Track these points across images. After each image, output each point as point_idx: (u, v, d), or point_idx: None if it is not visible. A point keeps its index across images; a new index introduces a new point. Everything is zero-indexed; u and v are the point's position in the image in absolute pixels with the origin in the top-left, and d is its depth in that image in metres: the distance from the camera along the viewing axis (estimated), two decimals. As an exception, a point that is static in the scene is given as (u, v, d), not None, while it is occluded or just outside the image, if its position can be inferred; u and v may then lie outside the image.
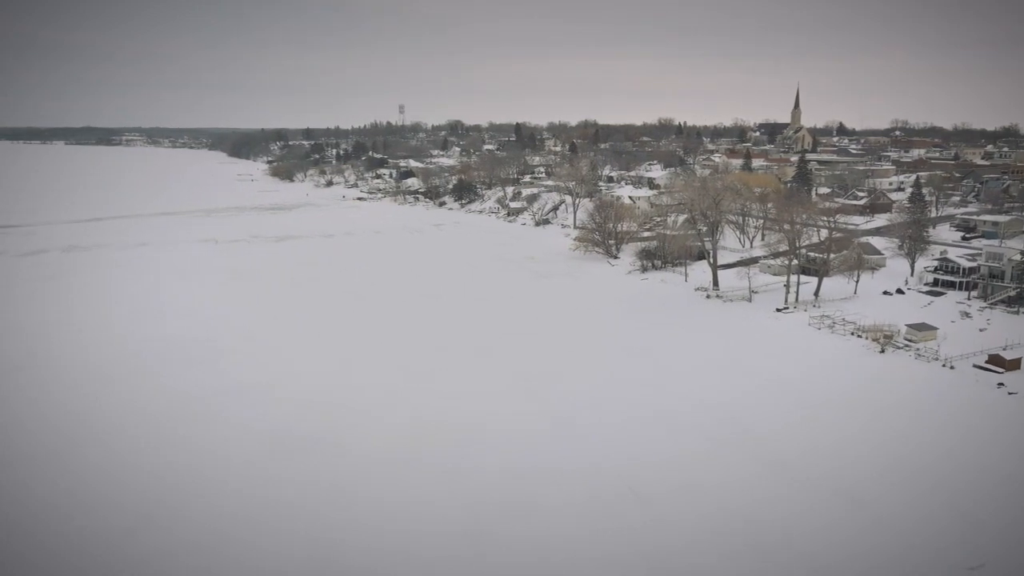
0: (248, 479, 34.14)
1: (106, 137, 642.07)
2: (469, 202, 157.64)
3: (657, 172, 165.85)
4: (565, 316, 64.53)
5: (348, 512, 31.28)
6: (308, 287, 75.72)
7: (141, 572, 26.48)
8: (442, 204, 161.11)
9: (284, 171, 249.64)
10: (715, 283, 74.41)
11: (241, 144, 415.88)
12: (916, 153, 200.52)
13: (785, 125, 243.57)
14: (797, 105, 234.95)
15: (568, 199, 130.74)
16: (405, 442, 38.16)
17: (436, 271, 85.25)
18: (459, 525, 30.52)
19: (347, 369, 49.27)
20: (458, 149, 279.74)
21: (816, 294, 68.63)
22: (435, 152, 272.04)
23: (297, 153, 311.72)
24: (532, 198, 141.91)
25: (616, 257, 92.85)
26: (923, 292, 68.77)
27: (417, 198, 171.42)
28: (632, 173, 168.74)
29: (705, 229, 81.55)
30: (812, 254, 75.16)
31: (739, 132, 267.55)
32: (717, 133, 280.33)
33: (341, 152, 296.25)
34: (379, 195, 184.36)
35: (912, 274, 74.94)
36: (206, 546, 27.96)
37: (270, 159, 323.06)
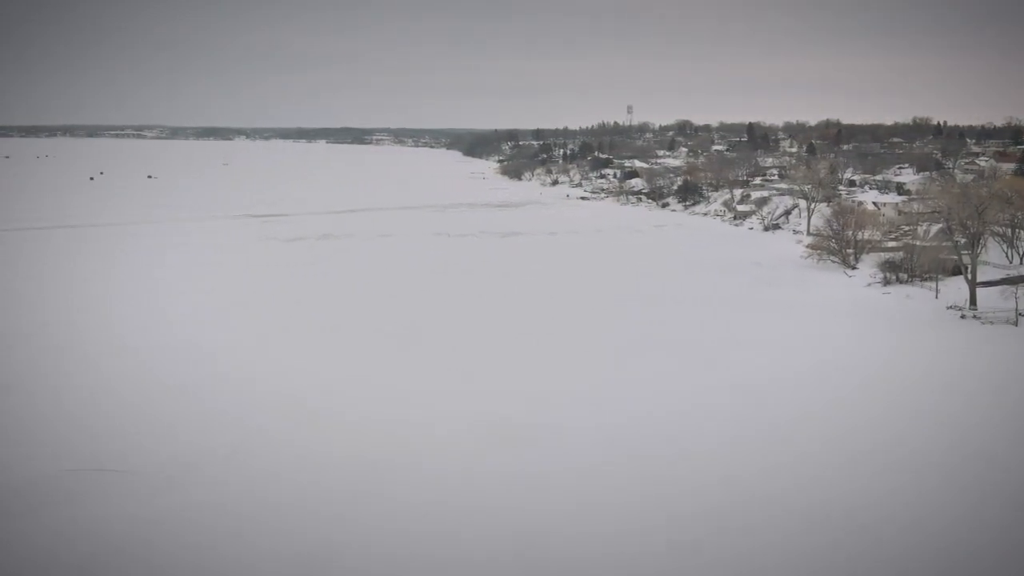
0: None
1: (360, 137, 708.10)
2: (693, 204, 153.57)
3: (908, 176, 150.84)
4: (787, 327, 60.45)
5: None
6: (530, 284, 77.80)
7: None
8: (665, 205, 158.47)
9: (513, 170, 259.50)
10: (972, 302, 65.88)
11: (475, 144, 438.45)
12: None
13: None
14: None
15: (802, 203, 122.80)
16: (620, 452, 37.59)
17: (653, 272, 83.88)
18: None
19: (562, 372, 49.66)
20: (685, 150, 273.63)
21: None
22: (661, 152, 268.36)
23: (526, 153, 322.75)
24: (762, 201, 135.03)
25: (854, 267, 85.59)
26: None
27: (640, 198, 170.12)
28: (878, 177, 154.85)
29: (963, 241, 72.45)
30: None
31: (1013, 133, 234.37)
32: (984, 134, 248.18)
33: (567, 152, 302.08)
34: (602, 195, 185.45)
35: None
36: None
37: (501, 158, 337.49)
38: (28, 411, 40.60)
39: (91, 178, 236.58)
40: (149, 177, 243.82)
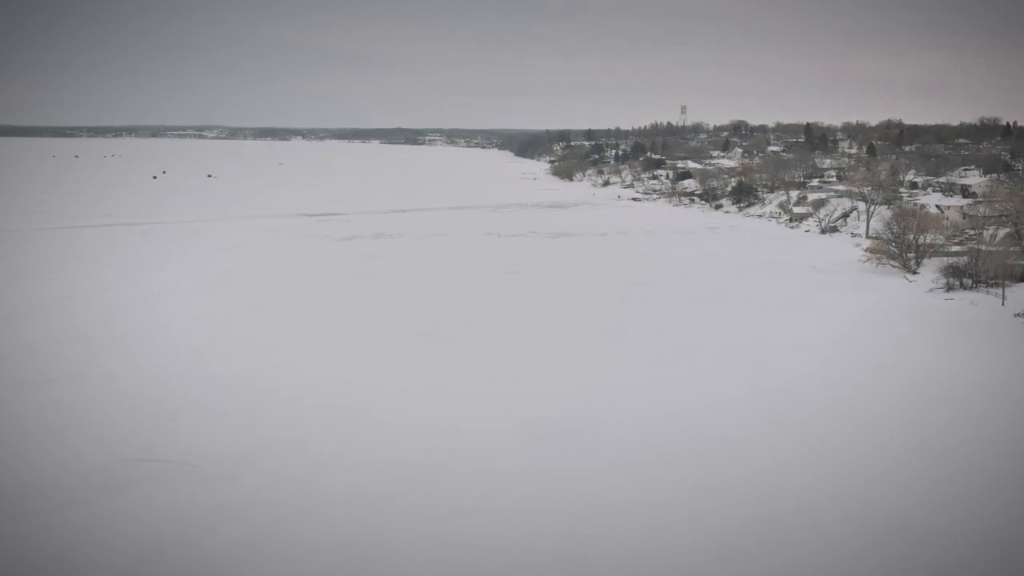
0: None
1: (412, 137, 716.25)
2: (748, 205, 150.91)
3: (974, 179, 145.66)
4: (843, 331, 58.81)
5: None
6: (576, 284, 77.36)
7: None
8: (718, 207, 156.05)
9: (564, 171, 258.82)
10: (1042, 310, 63.15)
11: (527, 144, 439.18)
12: None
13: None
14: None
15: (861, 206, 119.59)
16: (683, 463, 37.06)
17: (704, 274, 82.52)
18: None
19: (605, 373, 49.20)
20: (740, 150, 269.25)
21: None
22: (715, 153, 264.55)
23: (578, 153, 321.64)
24: (819, 203, 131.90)
25: (915, 272, 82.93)
26: None
27: (693, 200, 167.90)
28: (941, 179, 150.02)
29: (1033, 246, 69.59)
30: None
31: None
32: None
33: (620, 153, 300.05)
34: (654, 196, 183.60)
35: None
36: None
37: (552, 159, 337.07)
38: (89, 402, 41.80)
39: (154, 177, 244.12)
40: (209, 176, 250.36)
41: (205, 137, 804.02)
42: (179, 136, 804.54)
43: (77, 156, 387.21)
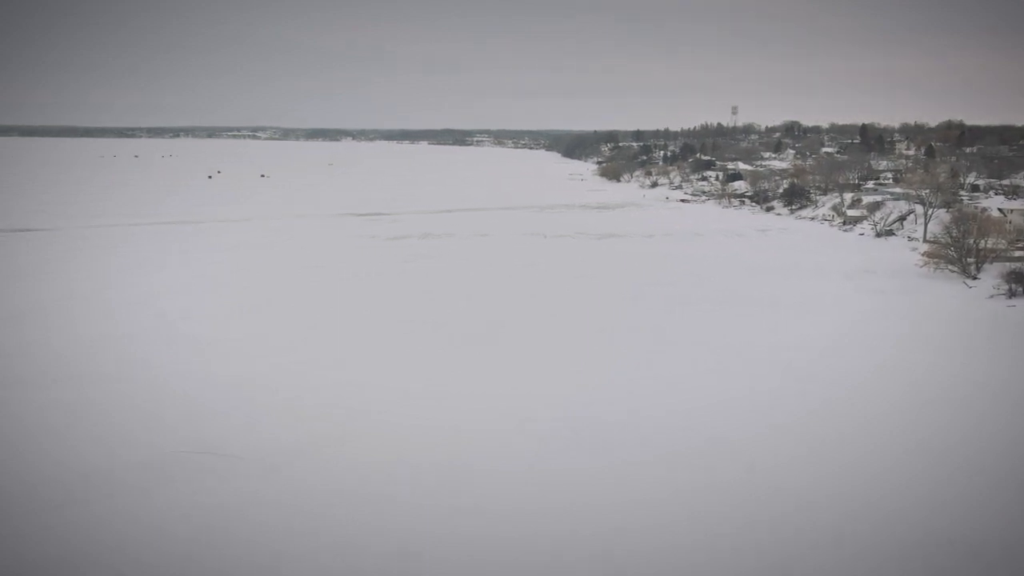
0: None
1: (461, 138, 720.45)
2: (800, 208, 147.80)
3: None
4: (898, 337, 57.00)
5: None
6: (620, 285, 76.68)
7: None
8: (769, 209, 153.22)
9: (612, 172, 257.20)
10: (1112, 318, 60.37)
11: (574, 145, 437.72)
12: None
13: None
14: None
15: (918, 209, 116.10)
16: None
17: (754, 277, 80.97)
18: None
19: (647, 377, 48.60)
20: (792, 151, 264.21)
21: None
22: (767, 155, 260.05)
23: (625, 154, 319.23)
24: (874, 206, 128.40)
25: (975, 277, 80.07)
26: None
27: (743, 202, 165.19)
28: (1005, 182, 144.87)
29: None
30: None
31: None
32: None
33: (668, 154, 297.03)
34: (703, 197, 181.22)
35: None
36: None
37: (600, 160, 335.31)
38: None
39: (209, 176, 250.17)
40: (262, 176, 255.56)
41: (259, 138, 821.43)
42: (234, 137, 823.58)
43: (136, 156, 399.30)
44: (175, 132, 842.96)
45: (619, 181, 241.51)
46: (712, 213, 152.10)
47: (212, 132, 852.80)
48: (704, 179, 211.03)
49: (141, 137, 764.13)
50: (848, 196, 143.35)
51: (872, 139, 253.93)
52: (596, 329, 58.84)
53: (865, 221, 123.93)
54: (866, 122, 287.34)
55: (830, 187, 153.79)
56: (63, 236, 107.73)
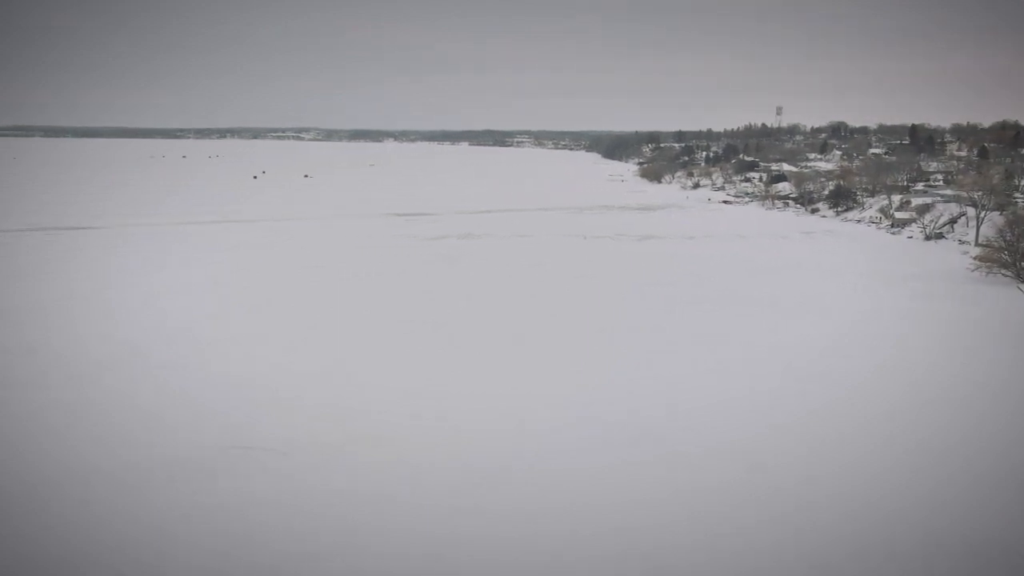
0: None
1: (501, 139, 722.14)
2: (846, 210, 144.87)
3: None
4: (948, 345, 55.38)
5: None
6: (656, 287, 75.86)
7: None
8: (814, 211, 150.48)
9: (652, 172, 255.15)
10: None
11: (615, 146, 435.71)
12: None
13: None
14: None
15: (970, 211, 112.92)
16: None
17: (795, 281, 79.45)
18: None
19: (681, 383, 48.00)
20: (839, 152, 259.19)
21: None
22: (812, 156, 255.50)
23: (667, 155, 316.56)
24: (923, 208, 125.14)
25: (1030, 283, 77.52)
26: None
27: (787, 203, 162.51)
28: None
29: None
30: None
31: None
32: None
33: (711, 155, 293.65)
34: (746, 199, 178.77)
35: None
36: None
37: (640, 161, 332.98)
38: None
39: (254, 177, 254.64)
40: (305, 176, 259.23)
41: (303, 139, 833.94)
42: (278, 138, 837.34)
43: (184, 156, 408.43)
44: (221, 133, 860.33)
45: (660, 182, 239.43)
46: (755, 215, 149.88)
47: (257, 133, 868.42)
48: (747, 180, 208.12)
49: (189, 138, 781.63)
50: (896, 198, 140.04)
51: (922, 140, 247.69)
52: (652, 328, 58.35)
53: (914, 224, 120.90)
54: (916, 123, 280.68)
55: (877, 189, 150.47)
56: (120, 233, 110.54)
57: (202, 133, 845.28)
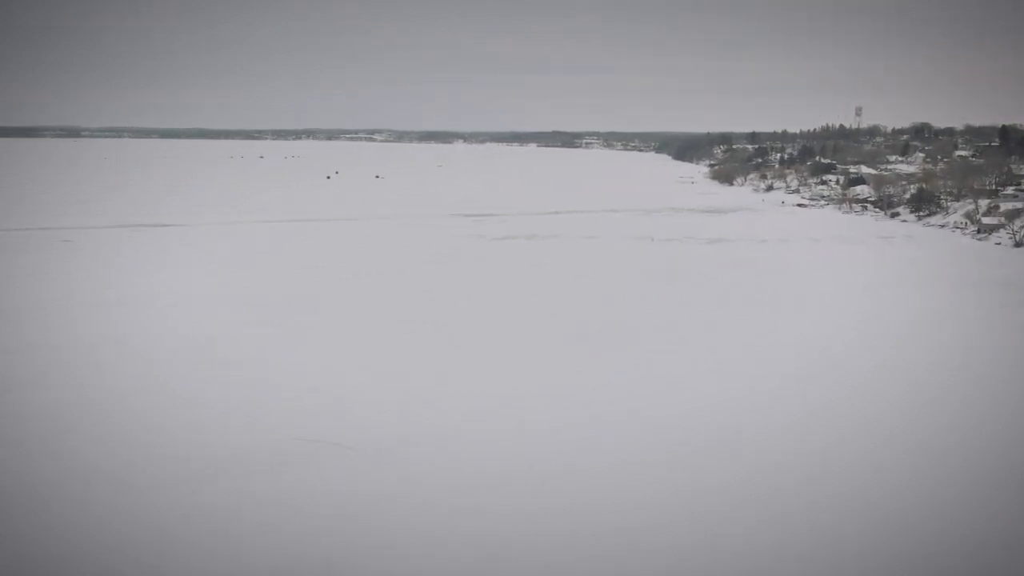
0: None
1: (570, 140, 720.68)
2: (928, 215, 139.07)
3: None
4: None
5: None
6: (718, 290, 74.38)
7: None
8: (894, 215, 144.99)
9: (724, 175, 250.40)
10: None
11: (685, 147, 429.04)
12: None
13: None
14: None
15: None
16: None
17: (869, 287, 76.61)
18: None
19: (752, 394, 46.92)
20: (921, 155, 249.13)
21: None
22: (892, 158, 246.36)
23: (739, 157, 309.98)
24: (1013, 213, 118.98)
25: None
26: None
27: (865, 207, 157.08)
28: None
29: None
30: None
31: None
32: None
33: (785, 156, 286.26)
34: (822, 202, 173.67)
35: None
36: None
37: (712, 162, 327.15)
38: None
39: (328, 177, 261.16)
40: (376, 177, 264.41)
41: (375, 140, 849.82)
42: (351, 139, 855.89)
43: (262, 157, 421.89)
44: (297, 134, 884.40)
45: (732, 184, 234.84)
46: (831, 219, 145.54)
47: (331, 135, 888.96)
48: (823, 183, 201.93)
49: (266, 139, 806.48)
50: (984, 203, 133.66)
51: (1013, 141, 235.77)
52: (725, 329, 57.36)
53: (1003, 229, 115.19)
54: (1007, 123, 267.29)
55: (964, 193, 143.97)
56: (222, 230, 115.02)
57: (279, 134, 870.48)
